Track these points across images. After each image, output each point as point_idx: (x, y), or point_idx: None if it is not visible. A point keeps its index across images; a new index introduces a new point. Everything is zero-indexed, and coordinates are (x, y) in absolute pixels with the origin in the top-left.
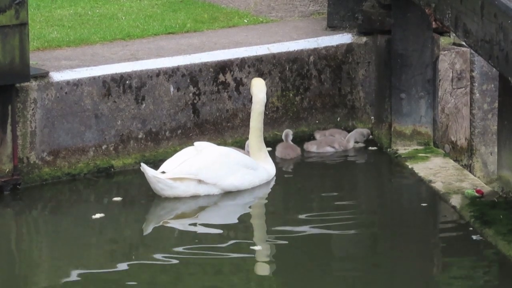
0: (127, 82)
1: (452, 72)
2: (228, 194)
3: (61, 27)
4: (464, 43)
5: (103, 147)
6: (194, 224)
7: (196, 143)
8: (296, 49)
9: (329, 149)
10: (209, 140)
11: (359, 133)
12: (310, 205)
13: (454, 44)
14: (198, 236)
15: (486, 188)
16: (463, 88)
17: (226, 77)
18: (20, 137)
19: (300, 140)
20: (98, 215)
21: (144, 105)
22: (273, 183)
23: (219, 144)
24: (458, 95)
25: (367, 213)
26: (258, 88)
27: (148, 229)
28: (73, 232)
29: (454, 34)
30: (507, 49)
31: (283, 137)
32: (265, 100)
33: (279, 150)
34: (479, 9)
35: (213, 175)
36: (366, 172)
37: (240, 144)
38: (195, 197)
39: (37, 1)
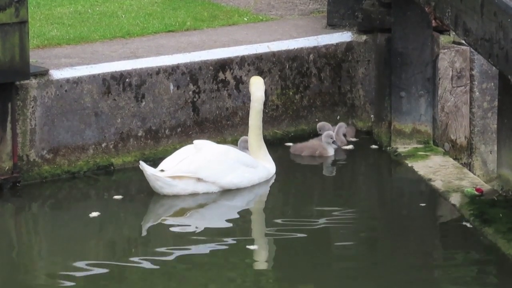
0: (127, 80)
1: (452, 70)
2: (227, 192)
3: (61, 25)
4: (464, 41)
5: (103, 145)
6: (193, 222)
7: (196, 141)
8: (296, 47)
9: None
10: (209, 138)
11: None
12: (310, 203)
13: (454, 42)
14: (196, 234)
15: (486, 187)
16: (463, 87)
17: (226, 75)
18: (20, 135)
19: (299, 138)
20: (95, 214)
21: (144, 103)
22: (272, 181)
23: (219, 142)
24: (458, 94)
25: (367, 211)
26: (256, 86)
27: (147, 226)
28: (72, 229)
29: (454, 33)
30: (507, 47)
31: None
32: (264, 99)
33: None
34: (479, 8)
35: (212, 173)
36: (366, 170)
37: None
38: (194, 195)
39: None
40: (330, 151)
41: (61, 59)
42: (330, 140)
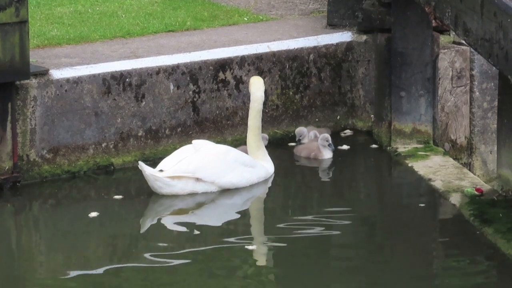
0: (127, 80)
1: (452, 70)
2: (226, 191)
3: (61, 24)
4: (464, 41)
5: (103, 145)
6: (192, 222)
7: (194, 141)
8: (296, 47)
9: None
10: (209, 138)
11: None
12: (309, 203)
13: (454, 42)
14: (195, 233)
15: (486, 187)
16: (463, 87)
17: (226, 75)
18: (20, 134)
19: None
20: (94, 213)
21: (144, 103)
22: (271, 181)
23: (219, 142)
24: (458, 94)
25: (366, 211)
26: (256, 86)
27: (146, 226)
28: (72, 229)
29: (454, 33)
30: (506, 47)
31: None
32: (263, 99)
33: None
34: (479, 8)
35: (211, 173)
36: (366, 170)
37: (240, 142)
38: (193, 194)
39: None
40: (326, 154)
41: (61, 58)
42: (326, 143)
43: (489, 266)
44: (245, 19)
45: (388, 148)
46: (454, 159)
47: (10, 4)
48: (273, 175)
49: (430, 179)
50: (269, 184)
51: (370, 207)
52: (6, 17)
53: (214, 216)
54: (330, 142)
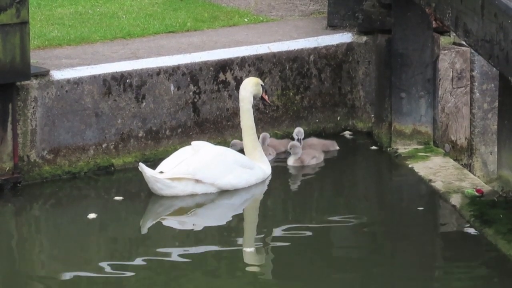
0: (127, 80)
1: (452, 71)
2: (225, 192)
3: (61, 25)
4: (464, 42)
5: (104, 146)
6: (192, 223)
7: (193, 143)
8: (296, 48)
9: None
10: (209, 139)
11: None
12: (308, 204)
13: (454, 43)
14: (195, 234)
15: (486, 188)
16: (463, 88)
17: (226, 76)
18: (20, 135)
19: None
20: (93, 215)
21: (144, 103)
22: (269, 181)
23: (219, 143)
24: (458, 95)
25: (366, 212)
26: (243, 86)
27: (146, 227)
28: (72, 230)
29: (454, 34)
30: (507, 48)
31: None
32: (251, 98)
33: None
34: (479, 9)
35: (210, 174)
36: (366, 171)
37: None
38: (192, 195)
39: (38, 0)
40: (288, 161)
41: (62, 59)
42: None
43: (489, 267)
44: (246, 20)
45: (389, 149)
46: (454, 160)
47: (10, 5)
48: (270, 176)
49: (430, 180)
50: (267, 185)
51: (370, 208)
52: (6, 18)
53: (214, 217)
54: (291, 150)
